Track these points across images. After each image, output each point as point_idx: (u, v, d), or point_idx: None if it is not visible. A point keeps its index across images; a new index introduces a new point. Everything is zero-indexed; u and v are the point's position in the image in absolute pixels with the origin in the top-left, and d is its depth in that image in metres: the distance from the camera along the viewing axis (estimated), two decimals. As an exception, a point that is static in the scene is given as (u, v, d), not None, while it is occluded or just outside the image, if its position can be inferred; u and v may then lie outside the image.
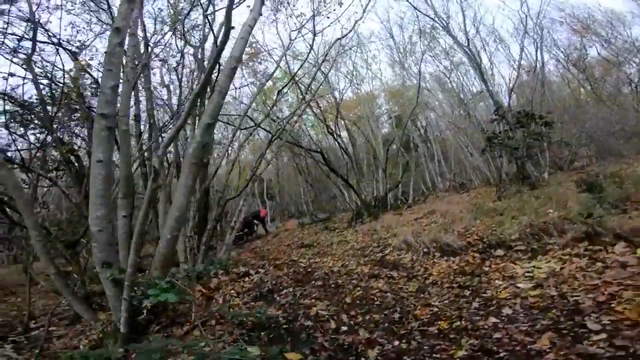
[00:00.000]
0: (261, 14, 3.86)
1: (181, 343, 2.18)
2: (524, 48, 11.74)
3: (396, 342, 2.36)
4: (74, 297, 3.24)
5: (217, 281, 4.18)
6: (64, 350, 2.91)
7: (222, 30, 2.63)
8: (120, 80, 3.49)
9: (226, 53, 3.52)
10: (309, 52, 7.31)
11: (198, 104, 5.06)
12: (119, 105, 3.59)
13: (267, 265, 5.29)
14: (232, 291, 3.91)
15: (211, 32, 5.46)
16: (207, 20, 5.39)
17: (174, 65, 6.11)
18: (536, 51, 10.55)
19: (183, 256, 4.51)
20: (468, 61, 11.00)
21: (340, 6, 6.50)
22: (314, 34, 6.23)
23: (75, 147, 5.66)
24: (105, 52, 2.77)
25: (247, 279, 4.49)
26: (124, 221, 3.26)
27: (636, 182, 4.26)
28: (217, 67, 4.79)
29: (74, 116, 5.53)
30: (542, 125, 7.31)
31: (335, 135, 9.52)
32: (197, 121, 5.31)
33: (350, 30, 6.69)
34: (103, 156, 2.63)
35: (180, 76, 6.12)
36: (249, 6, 3.95)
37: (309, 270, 4.88)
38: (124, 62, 3.32)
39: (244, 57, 8.58)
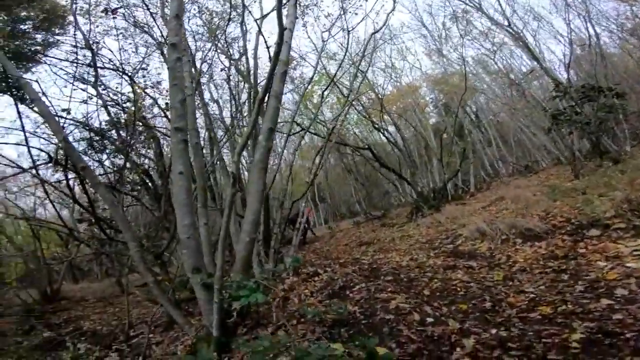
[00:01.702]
0: (297, 17, 3.96)
1: (276, 342, 2.24)
2: (570, 22, 10.73)
3: (493, 331, 2.21)
4: (170, 304, 3.50)
5: (289, 282, 4.29)
6: (164, 356, 3.13)
7: (277, 33, 2.73)
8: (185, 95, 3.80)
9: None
10: (346, 50, 7.28)
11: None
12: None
13: (332, 264, 5.31)
14: (306, 290, 3.98)
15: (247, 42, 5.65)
16: (243, 29, 5.59)
17: (223, 78, 6.47)
18: (586, 23, 9.52)
19: (256, 260, 4.71)
20: (512, 41, 10.23)
21: (367, 1, 6.44)
22: (348, 32, 6.21)
23: (147, 168, 6.23)
24: (168, 68, 2.97)
25: (317, 278, 4.54)
26: (204, 228, 3.51)
27: None
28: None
29: (140, 138, 6.06)
30: (613, 97, 6.54)
31: (382, 130, 9.36)
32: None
33: (385, 23, 6.57)
34: (183, 168, 2.84)
35: (231, 90, 6.46)
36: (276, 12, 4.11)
37: (374, 266, 4.81)
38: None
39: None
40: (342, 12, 6.54)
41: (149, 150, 6.57)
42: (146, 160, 6.72)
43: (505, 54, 11.83)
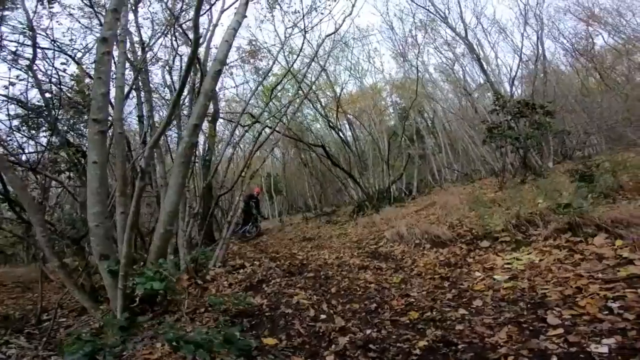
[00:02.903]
0: (246, 16, 3.93)
1: (169, 328, 2.34)
2: (528, 37, 11.52)
3: (368, 331, 2.44)
4: (76, 288, 3.47)
5: (213, 273, 4.36)
6: (66, 338, 3.12)
7: (192, 38, 2.72)
8: (112, 87, 3.68)
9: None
10: (300, 49, 7.27)
11: (182, 105, 5.21)
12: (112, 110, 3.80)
13: (263, 258, 5.44)
14: (226, 282, 4.08)
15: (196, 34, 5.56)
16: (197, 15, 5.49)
17: (169, 67, 6.27)
18: (537, 40, 10.27)
19: (182, 250, 4.71)
20: (469, 52, 10.82)
21: (336, 1, 6.47)
22: (305, 32, 6.22)
23: (83, 149, 5.95)
24: (94, 61, 2.94)
25: (241, 271, 4.66)
26: (121, 217, 3.46)
27: (632, 172, 4.15)
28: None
29: (81, 118, 5.78)
30: (543, 115, 7.17)
31: (336, 130, 9.55)
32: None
33: (339, 28, 6.62)
34: (97, 158, 2.83)
35: (176, 78, 6.28)
36: (236, 8, 4.05)
37: (305, 262, 5.01)
38: (114, 69, 3.48)
39: (244, 55, 8.69)
40: (305, 12, 6.52)
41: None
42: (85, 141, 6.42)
43: (464, 64, 12.51)
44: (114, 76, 3.59)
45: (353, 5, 6.54)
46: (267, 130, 7.03)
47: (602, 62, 12.06)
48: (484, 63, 10.26)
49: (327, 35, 6.68)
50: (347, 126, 10.72)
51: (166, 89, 6.92)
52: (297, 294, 3.18)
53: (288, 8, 6.97)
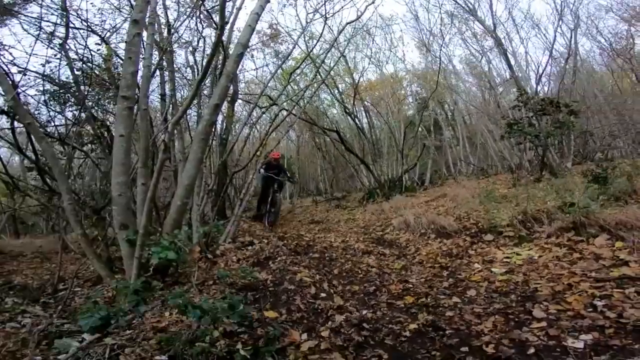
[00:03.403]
0: (269, 1, 3.97)
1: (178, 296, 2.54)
2: (562, 34, 10.95)
3: (364, 311, 2.60)
4: (95, 257, 3.72)
5: (223, 248, 4.60)
6: (81, 305, 3.36)
7: (218, 24, 2.81)
8: (141, 67, 3.86)
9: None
10: (321, 35, 7.24)
11: (205, 87, 5.34)
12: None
13: (272, 237, 5.65)
14: (234, 257, 4.30)
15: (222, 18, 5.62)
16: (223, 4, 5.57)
17: (193, 49, 6.40)
18: (570, 38, 9.74)
19: (195, 224, 4.98)
20: (496, 47, 10.43)
21: None
22: (326, 17, 6.18)
23: (107, 123, 6.24)
24: (125, 42, 3.10)
25: (250, 247, 4.88)
26: (142, 188, 3.69)
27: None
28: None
29: (107, 95, 6.05)
30: (567, 114, 6.95)
31: (352, 116, 9.54)
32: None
33: (361, 15, 6.52)
34: (124, 131, 3.05)
35: (202, 59, 6.41)
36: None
37: (311, 244, 5.20)
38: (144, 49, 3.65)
39: (265, 38, 8.70)
40: None
41: (115, 107, 6.59)
42: (110, 117, 6.72)
43: (493, 59, 12.08)
44: (142, 56, 3.76)
45: (376, -6, 6.40)
46: (284, 112, 7.13)
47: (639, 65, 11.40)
48: (510, 58, 9.89)
49: (348, 22, 6.62)
50: (363, 113, 10.67)
51: (188, 69, 7.08)
52: (300, 272, 3.36)
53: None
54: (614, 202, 3.45)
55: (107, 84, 5.59)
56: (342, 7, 6.67)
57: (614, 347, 1.54)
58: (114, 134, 3.83)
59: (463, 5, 10.64)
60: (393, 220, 5.58)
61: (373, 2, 6.15)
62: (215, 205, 5.77)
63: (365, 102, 10.51)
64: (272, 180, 7.28)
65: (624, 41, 11.60)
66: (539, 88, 9.61)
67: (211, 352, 1.82)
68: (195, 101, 6.03)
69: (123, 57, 5.97)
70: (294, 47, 6.62)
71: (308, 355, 1.96)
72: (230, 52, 4.30)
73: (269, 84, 7.66)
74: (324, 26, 6.22)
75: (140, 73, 3.78)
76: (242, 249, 4.78)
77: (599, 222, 2.95)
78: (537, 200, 4.27)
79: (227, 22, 3.24)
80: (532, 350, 1.67)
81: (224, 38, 6.15)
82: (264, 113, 7.03)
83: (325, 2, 6.10)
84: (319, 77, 7.19)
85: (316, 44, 7.04)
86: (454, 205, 5.87)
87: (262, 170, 7.18)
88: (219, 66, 6.29)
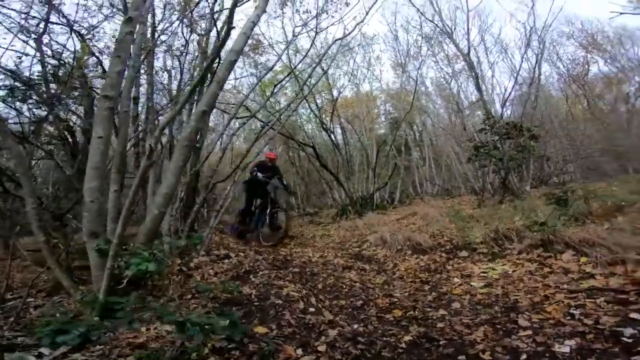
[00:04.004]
0: (265, 11, 4.02)
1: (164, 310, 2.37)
2: (527, 60, 12.02)
3: (355, 325, 2.59)
4: (58, 266, 3.39)
5: (197, 261, 4.38)
6: (39, 318, 3.01)
7: (225, 28, 2.81)
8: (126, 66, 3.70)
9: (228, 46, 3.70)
10: (309, 48, 7.47)
11: (197, 93, 5.24)
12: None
13: (247, 250, 5.49)
14: (211, 271, 4.11)
15: (214, 26, 5.59)
16: (212, 15, 5.56)
17: (178, 53, 6.26)
18: (535, 64, 10.79)
19: (166, 235, 4.71)
20: (468, 70, 11.26)
21: (347, 6, 6.66)
22: (316, 32, 6.38)
23: (72, 124, 5.82)
24: (115, 40, 2.95)
25: (226, 260, 4.69)
26: (114, 195, 3.46)
27: (601, 200, 4.56)
28: (218, 59, 4.97)
29: (73, 94, 5.67)
30: (528, 138, 7.60)
31: (329, 132, 9.73)
32: (194, 107, 5.51)
33: (350, 32, 6.82)
34: (103, 133, 2.85)
35: (182, 64, 6.27)
36: (255, 0, 4.15)
37: (289, 258, 5.12)
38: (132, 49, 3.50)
39: (246, 48, 8.73)
40: (319, 12, 6.64)
41: (79, 107, 6.18)
42: (74, 117, 6.29)
43: (462, 82, 12.98)
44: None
45: (367, 13, 6.73)
46: (261, 124, 7.11)
47: (592, 90, 12.75)
48: (480, 82, 10.70)
49: (336, 40, 6.85)
50: (339, 130, 10.94)
51: (165, 73, 6.88)
52: (286, 287, 3.29)
53: (300, 6, 7.12)
54: (573, 222, 3.80)
55: (77, 83, 5.27)
56: (331, 24, 6.96)
57: (597, 351, 1.68)
58: (85, 135, 3.60)
59: (441, 27, 11.42)
60: (369, 236, 5.67)
61: (362, 21, 6.44)
62: (187, 216, 5.52)
63: (342, 119, 10.81)
64: (262, 185, 6.28)
65: (579, 67, 12.94)
66: (504, 111, 10.41)
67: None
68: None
69: (97, 56, 5.75)
70: (277, 60, 6.68)
71: (305, 372, 1.91)
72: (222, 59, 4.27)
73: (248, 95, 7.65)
74: (313, 41, 6.39)
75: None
76: (217, 262, 4.58)
77: (564, 239, 3.23)
78: (506, 220, 4.59)
79: (233, 27, 3.21)
80: (524, 357, 1.76)
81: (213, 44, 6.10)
82: (242, 125, 6.95)
83: (316, 16, 6.28)
84: (302, 92, 7.31)
85: (303, 58, 7.18)
86: (426, 223, 6.11)
87: (255, 173, 6.26)
88: (196, 72, 6.22)
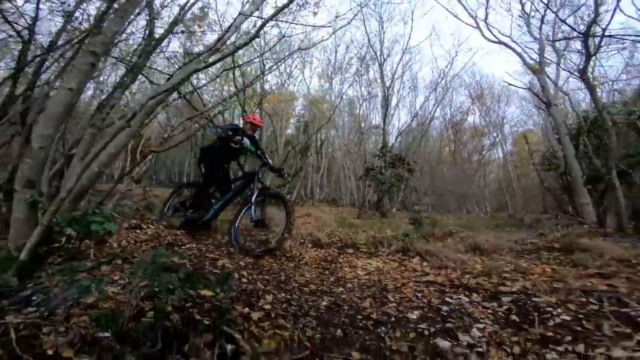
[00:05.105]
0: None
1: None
2: (428, 101, 15.07)
3: (283, 294, 3.37)
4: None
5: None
6: None
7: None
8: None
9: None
10: (254, 37, 7.74)
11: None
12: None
13: (156, 222, 5.48)
14: (129, 238, 4.15)
15: None
16: None
17: None
18: (433, 107, 13.74)
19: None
20: (381, 98, 13.40)
21: (314, 16, 7.28)
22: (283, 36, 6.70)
23: None
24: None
25: (138, 231, 4.70)
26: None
27: (440, 226, 6.76)
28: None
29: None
30: (407, 170, 9.97)
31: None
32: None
33: (306, 35, 7.42)
34: (75, 86, 2.79)
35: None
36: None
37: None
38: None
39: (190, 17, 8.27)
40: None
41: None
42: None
43: (372, 107, 15.21)
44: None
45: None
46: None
47: (461, 138, 16.75)
48: (388, 112, 12.97)
49: (283, 36, 7.31)
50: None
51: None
52: (222, 259, 3.81)
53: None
54: (422, 239, 5.64)
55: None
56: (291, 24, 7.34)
57: (429, 318, 2.99)
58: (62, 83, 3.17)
59: (377, 56, 13.23)
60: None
61: (333, 34, 7.11)
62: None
63: (264, 112, 11.25)
64: (235, 153, 4.89)
65: (460, 115, 16.85)
66: (394, 143, 13.00)
67: (163, 326, 1.84)
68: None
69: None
70: (218, 40, 6.73)
71: (259, 323, 2.61)
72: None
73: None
74: (281, 38, 6.67)
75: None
76: (131, 231, 4.55)
77: (416, 249, 4.89)
78: (379, 230, 6.24)
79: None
80: (393, 318, 2.97)
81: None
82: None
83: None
84: (240, 80, 7.53)
85: (248, 43, 7.37)
86: (319, 224, 7.39)
87: (232, 135, 4.60)
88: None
